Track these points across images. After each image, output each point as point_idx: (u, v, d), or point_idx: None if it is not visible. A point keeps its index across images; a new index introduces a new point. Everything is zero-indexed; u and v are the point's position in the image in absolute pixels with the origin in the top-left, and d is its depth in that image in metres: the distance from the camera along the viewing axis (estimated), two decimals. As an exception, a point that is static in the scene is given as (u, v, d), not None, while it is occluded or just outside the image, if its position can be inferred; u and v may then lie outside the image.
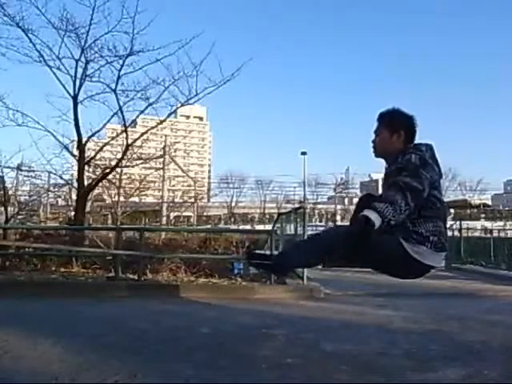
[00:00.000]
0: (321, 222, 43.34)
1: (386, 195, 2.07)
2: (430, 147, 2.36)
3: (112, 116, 9.48)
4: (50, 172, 12.04)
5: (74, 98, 9.09)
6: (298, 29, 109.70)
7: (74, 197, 13.30)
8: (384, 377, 2.93)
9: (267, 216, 46.81)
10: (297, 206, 12.05)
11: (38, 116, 10.12)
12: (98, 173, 11.22)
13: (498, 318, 5.15)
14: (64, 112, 9.38)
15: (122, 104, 9.28)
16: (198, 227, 22.28)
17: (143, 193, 22.03)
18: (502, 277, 9.89)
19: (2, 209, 10.62)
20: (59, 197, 21.74)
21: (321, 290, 6.72)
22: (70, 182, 13.53)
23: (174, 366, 3.05)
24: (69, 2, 9.23)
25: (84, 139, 9.46)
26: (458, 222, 14.48)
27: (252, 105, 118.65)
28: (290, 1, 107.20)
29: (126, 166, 12.03)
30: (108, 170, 10.61)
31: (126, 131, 9.75)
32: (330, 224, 38.00)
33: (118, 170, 12.47)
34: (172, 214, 27.31)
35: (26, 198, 17.23)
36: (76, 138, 9.54)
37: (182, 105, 9.95)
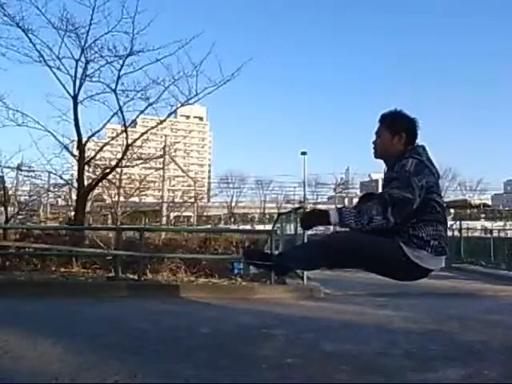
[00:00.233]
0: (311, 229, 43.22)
1: (366, 204, 2.16)
2: (425, 149, 2.36)
3: (112, 116, 9.50)
4: (49, 172, 12.05)
5: (74, 98, 9.09)
6: (297, 29, 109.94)
7: (74, 197, 13.31)
8: (384, 377, 2.93)
9: (267, 216, 46.87)
10: (297, 206, 12.06)
11: (38, 116, 10.11)
12: (98, 173, 11.22)
13: (498, 317, 5.15)
14: (64, 112, 9.40)
15: (122, 104, 9.29)
16: (198, 227, 22.29)
17: (143, 193, 22.03)
18: (502, 277, 9.89)
19: (2, 209, 10.62)
20: (59, 197, 21.75)
21: (321, 289, 6.72)
22: (70, 181, 13.54)
23: (174, 366, 3.05)
24: (69, 2, 9.23)
25: (84, 139, 9.46)
26: (457, 222, 14.48)
27: (252, 105, 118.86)
28: (290, 1, 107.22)
29: (126, 166, 12.03)
30: (108, 170, 10.61)
31: (126, 131, 9.75)
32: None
33: (118, 170, 12.47)
34: (172, 214, 27.33)
35: (26, 197, 17.25)
36: (76, 138, 9.54)
37: (182, 105, 9.96)
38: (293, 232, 8.08)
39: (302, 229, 2.44)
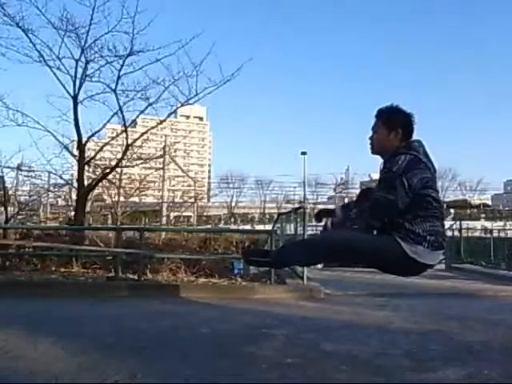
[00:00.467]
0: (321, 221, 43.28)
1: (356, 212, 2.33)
2: (421, 143, 2.36)
3: (112, 116, 9.49)
4: (50, 172, 12.09)
5: (74, 98, 9.08)
6: (298, 28, 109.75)
7: (74, 197, 13.32)
8: (384, 377, 2.93)
9: (267, 216, 46.87)
10: (297, 206, 12.06)
11: (38, 116, 10.15)
12: (98, 173, 11.23)
13: (498, 317, 5.15)
14: (64, 112, 9.41)
15: (122, 104, 9.28)
16: (198, 227, 22.28)
17: (143, 193, 22.03)
18: (502, 277, 9.88)
19: (2, 209, 10.63)
20: (59, 197, 21.76)
21: (321, 290, 6.71)
22: (70, 181, 13.56)
23: (173, 366, 3.05)
24: (69, 2, 9.21)
25: (84, 139, 9.46)
26: (457, 222, 14.48)
27: (252, 105, 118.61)
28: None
29: (126, 166, 12.03)
30: (108, 170, 10.61)
31: (126, 131, 9.75)
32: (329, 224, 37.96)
33: (118, 170, 12.47)
34: (172, 214, 27.33)
35: (26, 197, 17.25)
36: (76, 138, 9.53)
37: (182, 105, 9.96)
38: (293, 232, 8.09)
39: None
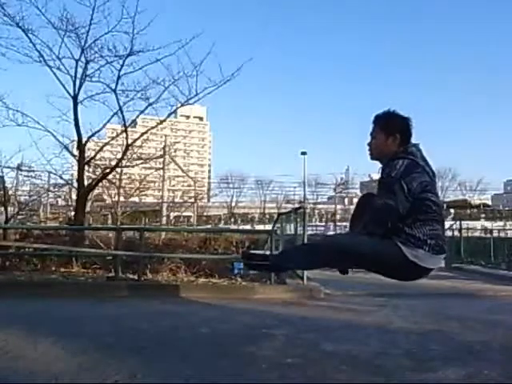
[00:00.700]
0: (321, 221, 43.38)
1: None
2: (418, 148, 2.37)
3: (112, 116, 9.50)
4: (50, 172, 12.09)
5: (74, 98, 9.09)
6: (298, 28, 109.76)
7: (74, 197, 13.33)
8: (384, 377, 2.93)
9: (267, 216, 46.86)
10: (297, 206, 12.05)
11: (38, 116, 10.15)
12: (98, 173, 11.23)
13: (498, 318, 5.16)
14: (64, 112, 9.41)
15: (122, 104, 9.29)
16: (198, 227, 22.29)
17: (143, 193, 22.01)
18: (502, 277, 9.89)
19: (2, 209, 10.63)
20: (59, 197, 21.77)
21: (321, 290, 6.71)
22: (70, 181, 13.56)
23: (173, 366, 3.05)
24: (69, 2, 9.22)
25: (84, 139, 9.46)
26: (457, 222, 14.49)
27: (252, 105, 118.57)
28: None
29: (126, 166, 12.03)
30: (108, 170, 10.62)
31: (126, 131, 9.75)
32: (329, 224, 38.05)
33: (118, 169, 12.46)
34: (172, 214, 27.34)
35: (26, 197, 17.26)
36: (76, 138, 9.54)
37: (182, 105, 9.96)
38: (293, 232, 8.08)
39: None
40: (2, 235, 8.44)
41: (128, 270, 7.17)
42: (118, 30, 8.83)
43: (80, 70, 9.05)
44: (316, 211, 48.44)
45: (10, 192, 14.03)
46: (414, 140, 2.43)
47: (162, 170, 21.72)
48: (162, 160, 20.71)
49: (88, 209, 14.16)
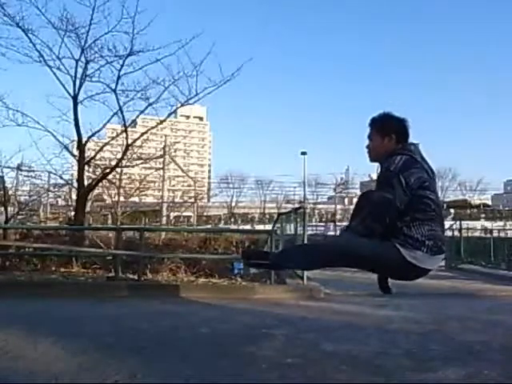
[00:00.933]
0: (321, 221, 43.35)
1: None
2: (416, 147, 2.38)
3: (112, 116, 9.51)
4: (50, 172, 12.11)
5: (74, 98, 9.09)
6: (298, 28, 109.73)
7: (74, 197, 13.33)
8: (384, 377, 2.93)
9: (267, 216, 46.87)
10: (297, 205, 12.06)
11: (38, 116, 10.16)
12: (98, 173, 11.24)
13: (498, 318, 5.15)
14: (64, 112, 9.43)
15: (122, 104, 9.30)
16: (198, 227, 22.29)
17: (143, 193, 22.01)
18: (502, 277, 9.89)
19: (2, 209, 10.64)
20: (59, 197, 21.78)
21: (321, 289, 6.71)
22: (70, 181, 13.56)
23: (173, 366, 3.05)
24: (69, 2, 9.23)
25: (84, 139, 9.47)
26: (457, 222, 14.50)
27: (252, 105, 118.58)
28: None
29: (126, 166, 12.04)
30: (108, 170, 10.62)
31: (126, 131, 9.76)
32: (329, 224, 38.01)
33: (118, 169, 12.47)
34: (172, 214, 27.33)
35: (26, 197, 17.28)
36: (76, 138, 9.55)
37: (182, 105, 9.97)
38: (293, 232, 8.09)
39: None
40: (2, 235, 8.44)
41: (128, 270, 7.17)
42: (118, 30, 8.87)
43: (80, 70, 9.08)
44: (316, 211, 48.45)
45: (10, 192, 14.04)
46: (414, 140, 2.44)
47: (161, 170, 21.72)
48: (161, 160, 20.71)
49: (88, 209, 14.16)
